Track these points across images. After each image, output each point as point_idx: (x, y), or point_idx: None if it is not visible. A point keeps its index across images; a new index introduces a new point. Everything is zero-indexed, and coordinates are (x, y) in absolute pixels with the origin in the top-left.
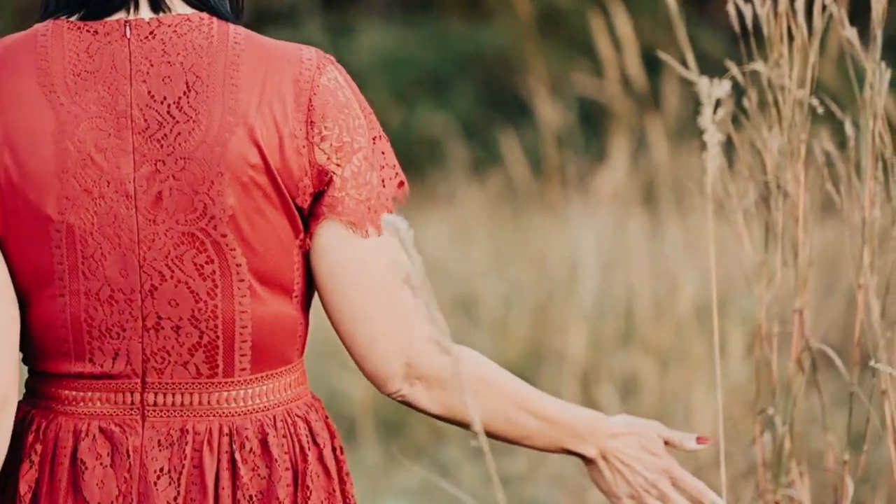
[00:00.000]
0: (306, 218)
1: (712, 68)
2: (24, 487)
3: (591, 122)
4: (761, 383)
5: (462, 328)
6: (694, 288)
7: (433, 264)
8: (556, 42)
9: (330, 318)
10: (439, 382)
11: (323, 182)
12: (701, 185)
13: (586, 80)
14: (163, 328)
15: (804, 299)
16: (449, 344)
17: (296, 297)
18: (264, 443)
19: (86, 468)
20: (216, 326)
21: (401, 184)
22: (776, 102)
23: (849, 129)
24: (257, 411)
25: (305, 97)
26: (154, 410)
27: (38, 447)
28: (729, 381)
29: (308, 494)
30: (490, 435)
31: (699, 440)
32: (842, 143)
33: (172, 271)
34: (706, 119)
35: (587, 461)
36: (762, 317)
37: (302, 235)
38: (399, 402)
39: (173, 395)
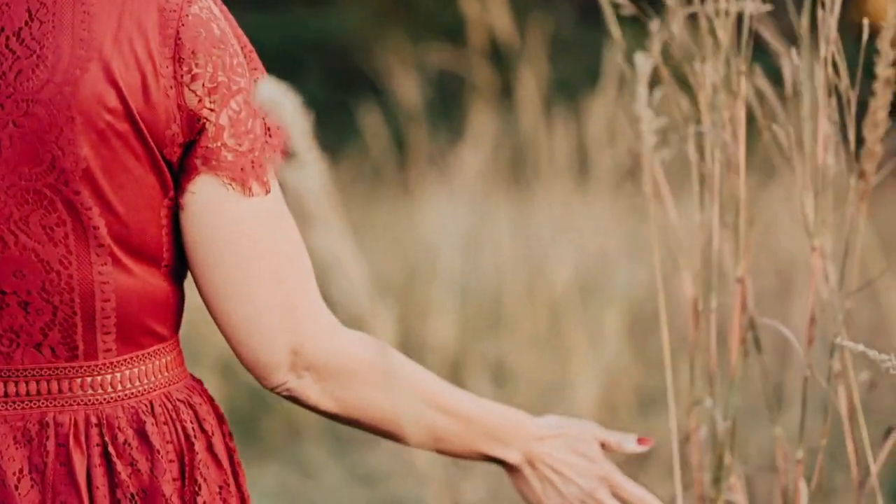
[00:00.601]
0: (177, 173)
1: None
2: None
3: (452, 97)
4: (696, 370)
5: None
6: (568, 268)
7: None
8: (409, 19)
9: (201, 292)
10: (332, 374)
11: (195, 130)
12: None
13: (444, 53)
14: (8, 305)
15: (746, 265)
16: (339, 325)
17: (167, 265)
18: (141, 433)
19: None
20: (72, 301)
21: (285, 139)
22: (712, 29)
23: (795, 58)
24: (130, 397)
25: (172, 29)
26: (6, 402)
27: None
28: (608, 365)
29: (198, 489)
30: (394, 437)
31: (640, 441)
32: (780, 79)
33: (16, 236)
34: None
35: (510, 469)
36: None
37: (172, 194)
38: (285, 397)
39: (27, 382)
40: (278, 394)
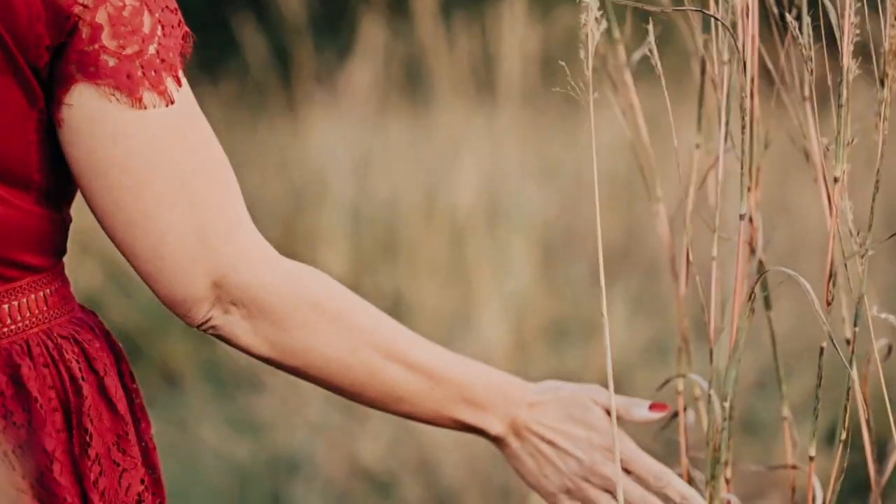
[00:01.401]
0: (46, 81)
1: None
2: None
3: (339, 8)
4: (684, 327)
5: None
6: (470, 191)
7: None
8: None
9: (99, 221)
10: (264, 312)
11: (64, 30)
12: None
13: None
14: None
15: (755, 200)
16: (274, 255)
17: (39, 188)
18: (16, 378)
19: None
20: None
21: (185, 36)
22: None
23: None
24: (1, 338)
25: None
26: None
27: None
28: (516, 296)
29: (88, 440)
30: (345, 392)
31: (654, 407)
32: None
33: None
34: None
35: (497, 442)
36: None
37: (41, 105)
38: (213, 335)
39: None
40: (206, 333)
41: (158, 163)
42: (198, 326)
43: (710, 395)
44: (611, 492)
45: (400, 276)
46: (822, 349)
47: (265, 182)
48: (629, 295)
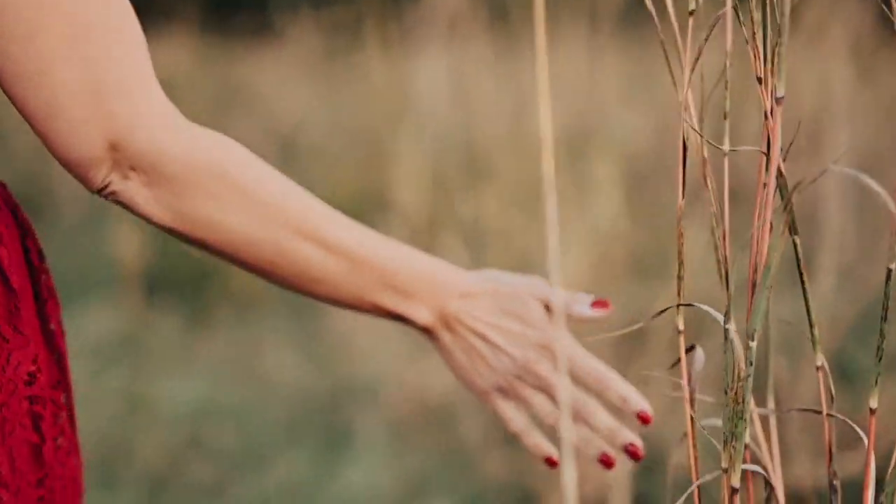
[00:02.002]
0: None
1: None
2: None
3: None
4: (681, 243)
5: (283, 172)
6: (556, 115)
7: (259, 99)
8: None
9: None
10: (164, 179)
11: None
12: None
13: None
14: None
15: (783, 83)
16: (179, 120)
17: None
18: None
19: None
20: None
21: None
22: None
23: None
24: None
25: None
26: None
27: None
28: (601, 226)
29: None
30: (254, 270)
31: (596, 304)
32: None
33: None
34: None
35: (426, 334)
36: None
37: None
38: (114, 202)
39: None
40: (106, 198)
41: (51, 12)
42: (97, 192)
43: (726, 332)
44: (546, 392)
45: (481, 205)
46: (889, 272)
47: (354, 112)
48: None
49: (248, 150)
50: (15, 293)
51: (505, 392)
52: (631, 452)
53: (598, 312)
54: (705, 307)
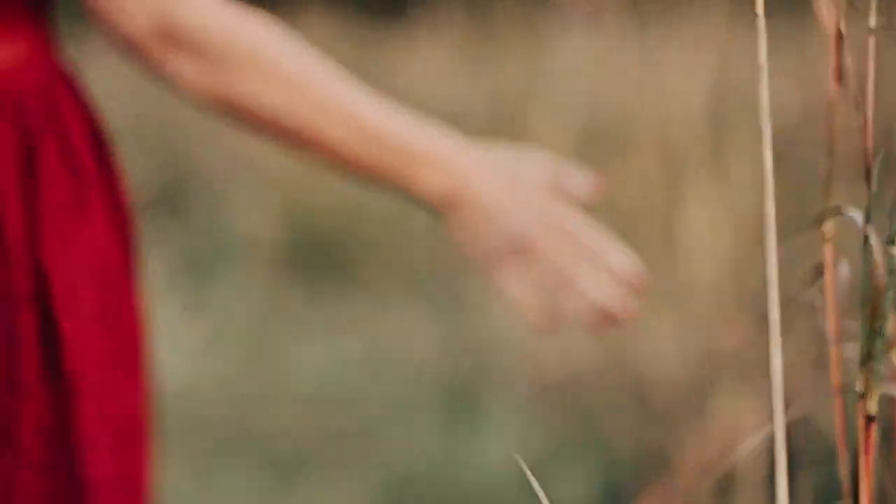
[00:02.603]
0: None
1: None
2: None
3: None
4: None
5: None
6: (694, 85)
7: (399, 81)
8: None
9: None
10: (206, 55)
11: None
12: None
13: None
14: None
15: None
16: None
17: None
18: None
19: None
20: None
21: None
22: None
23: None
24: None
25: None
26: None
27: None
28: (736, 207)
29: (44, 188)
30: (284, 142)
31: (589, 183)
32: None
33: None
34: None
35: (436, 209)
36: None
37: None
38: (160, 79)
39: None
40: (152, 74)
41: None
42: (147, 65)
43: (865, 238)
44: (550, 261)
45: (625, 184)
46: None
47: (497, 89)
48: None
49: (284, 31)
50: (78, 177)
51: (507, 265)
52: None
53: (590, 188)
54: (853, 212)
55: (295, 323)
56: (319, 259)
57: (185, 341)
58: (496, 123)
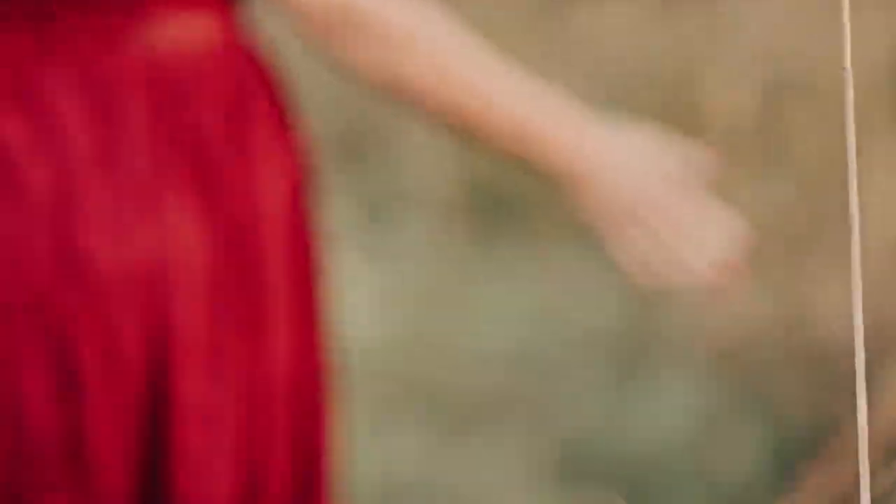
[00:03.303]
0: None
1: None
2: None
3: None
4: None
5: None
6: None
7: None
8: None
9: None
10: (378, 37)
11: None
12: None
13: None
14: None
15: None
16: None
17: None
18: (197, 77)
19: None
20: None
21: None
22: None
23: None
24: (181, 42)
25: None
26: (60, 45)
27: None
28: None
29: (242, 143)
30: (435, 117)
31: (700, 161)
32: None
33: None
34: None
35: (563, 179)
36: None
37: None
38: (331, 58)
39: (78, 27)
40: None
41: None
42: (316, 43)
43: None
44: (663, 228)
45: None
46: None
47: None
48: None
49: (446, 13)
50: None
51: (626, 227)
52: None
53: (708, 157)
54: None
55: (470, 278)
56: (497, 214)
57: (359, 293)
58: (677, 75)
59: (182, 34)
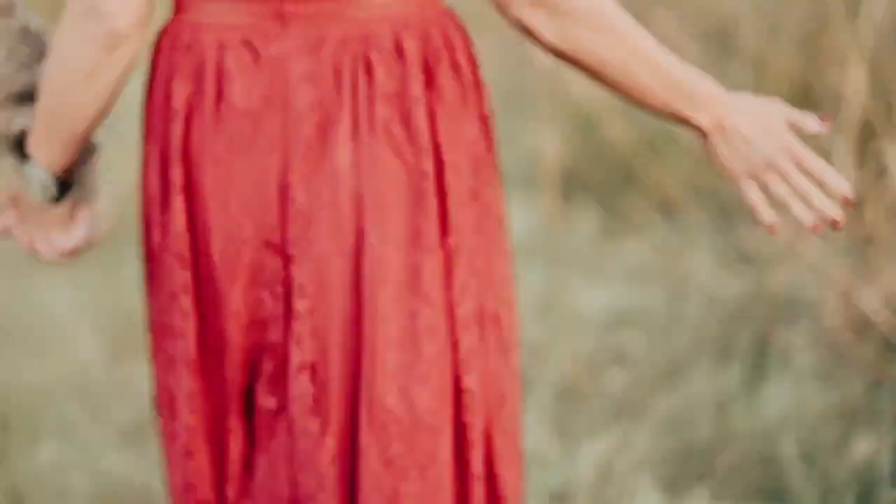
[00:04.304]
0: None
1: None
2: (176, 101)
3: None
4: None
5: (714, 62)
6: None
7: None
8: None
9: None
10: (562, 11)
11: None
12: None
13: None
14: None
15: None
16: None
17: None
18: (398, 45)
19: (232, 76)
20: None
21: None
22: None
23: None
24: (391, 18)
25: None
26: (294, 19)
27: (187, 62)
28: None
29: (441, 93)
30: (601, 79)
31: (823, 119)
32: None
33: None
34: None
35: (701, 133)
36: None
37: None
38: (518, 28)
39: (309, 2)
40: (514, 24)
41: None
42: (511, 18)
43: None
44: (782, 176)
45: None
46: None
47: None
48: None
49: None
50: (462, 83)
51: (754, 176)
52: (831, 221)
53: (821, 127)
54: None
55: (591, 253)
56: (622, 186)
57: None
58: (795, 45)
59: (390, 6)
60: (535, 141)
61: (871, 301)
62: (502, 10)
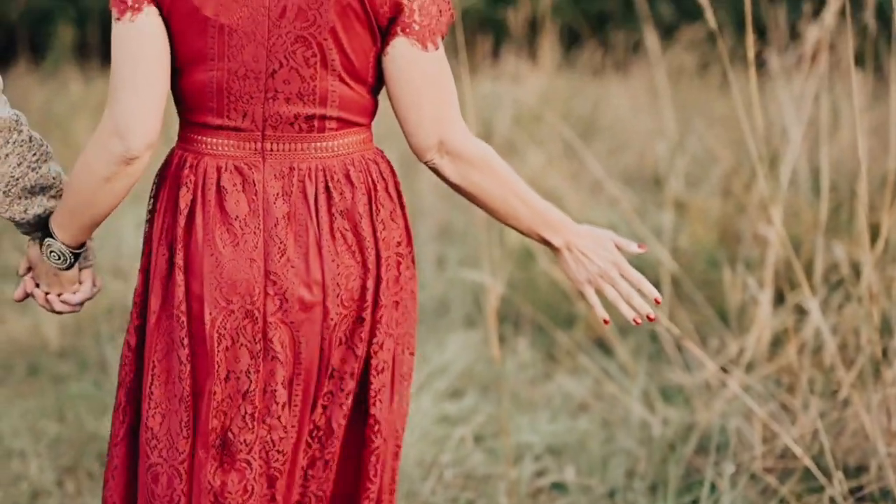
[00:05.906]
0: (384, 34)
1: None
2: (182, 205)
3: None
4: None
5: (643, 203)
6: None
7: (614, 128)
8: None
9: (392, 103)
10: (461, 159)
11: (397, 10)
12: None
13: None
14: (278, 98)
15: None
16: (472, 136)
17: (370, 85)
18: (347, 175)
19: (227, 192)
20: (314, 100)
21: (451, 16)
22: None
23: None
24: (342, 155)
25: None
26: (271, 154)
27: (192, 178)
28: None
29: (379, 209)
30: (487, 209)
31: (640, 246)
32: None
33: (289, 61)
34: None
35: (555, 250)
36: None
37: (379, 45)
38: (430, 168)
39: (284, 143)
40: (427, 165)
41: (428, 79)
42: (425, 161)
43: None
44: (610, 283)
45: (846, 253)
46: None
47: (714, 142)
48: None
49: (494, 153)
50: (394, 203)
51: (591, 283)
52: (647, 317)
53: (641, 250)
54: None
55: (529, 385)
56: (560, 323)
57: None
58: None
59: (343, 144)
60: (475, 277)
61: (792, 435)
62: (419, 155)
